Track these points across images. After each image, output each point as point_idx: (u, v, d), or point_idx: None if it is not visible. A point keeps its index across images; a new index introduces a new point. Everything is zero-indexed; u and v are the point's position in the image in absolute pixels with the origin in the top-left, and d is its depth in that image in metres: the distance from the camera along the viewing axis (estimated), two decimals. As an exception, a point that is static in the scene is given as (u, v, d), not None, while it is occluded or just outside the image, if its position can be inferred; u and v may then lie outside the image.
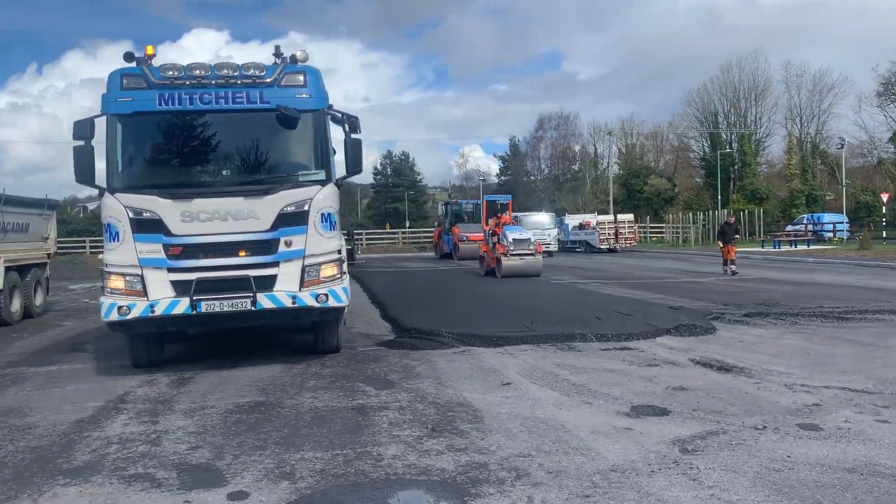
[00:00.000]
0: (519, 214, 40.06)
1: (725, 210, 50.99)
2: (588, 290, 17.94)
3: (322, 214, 8.72)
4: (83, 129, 8.46)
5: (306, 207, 8.64)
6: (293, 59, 9.01)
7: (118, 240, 8.41)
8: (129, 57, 8.58)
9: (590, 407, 6.73)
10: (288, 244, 8.60)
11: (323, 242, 8.76)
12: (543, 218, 40.45)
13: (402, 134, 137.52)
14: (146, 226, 8.38)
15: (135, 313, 8.30)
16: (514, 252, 21.74)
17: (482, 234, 37.58)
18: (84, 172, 8.50)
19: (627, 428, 6.00)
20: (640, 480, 4.79)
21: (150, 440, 6.13)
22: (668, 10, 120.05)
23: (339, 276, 8.90)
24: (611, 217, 46.93)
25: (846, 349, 9.39)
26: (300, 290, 8.61)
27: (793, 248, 38.92)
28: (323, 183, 8.82)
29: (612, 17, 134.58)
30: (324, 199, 8.76)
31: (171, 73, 8.47)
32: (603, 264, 30.51)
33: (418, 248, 53.86)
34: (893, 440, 5.49)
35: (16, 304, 15.74)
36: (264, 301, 8.46)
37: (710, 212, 52.37)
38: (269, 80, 8.67)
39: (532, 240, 22.66)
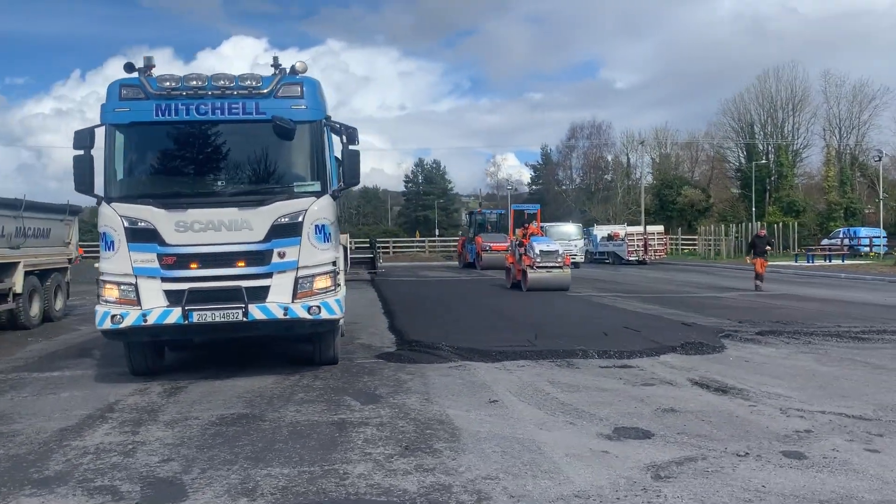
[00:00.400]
0: (546, 225, 39.80)
1: (758, 222, 50.16)
2: (603, 304, 17.69)
3: (316, 226, 8.70)
4: (83, 138, 8.56)
5: (300, 219, 8.62)
6: (293, 70, 9.03)
7: (113, 249, 8.48)
8: (128, 67, 8.66)
9: (572, 428, 6.58)
10: (281, 255, 8.59)
11: (317, 254, 8.73)
12: (570, 228, 40.20)
13: (437, 142, 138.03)
14: (141, 235, 8.43)
15: (128, 322, 8.36)
16: (540, 264, 20.83)
17: (505, 245, 37.66)
18: (83, 182, 8.60)
19: (604, 451, 5.84)
20: (602, 508, 4.64)
21: (125, 451, 6.13)
22: (710, 19, 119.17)
23: (333, 288, 8.86)
24: (640, 228, 46.36)
25: (855, 372, 9.08)
26: (292, 302, 8.59)
27: (827, 263, 38.05)
28: (318, 194, 8.80)
29: (653, 25, 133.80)
30: (318, 210, 8.74)
31: (167, 83, 8.53)
32: (627, 277, 30.15)
33: (445, 256, 53.85)
34: (878, 472, 5.26)
35: (35, 309, 16.03)
36: (256, 312, 8.46)
37: (743, 224, 51.51)
38: (265, 90, 8.68)
39: (560, 252, 21.61)
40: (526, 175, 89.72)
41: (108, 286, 8.52)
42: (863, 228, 50.15)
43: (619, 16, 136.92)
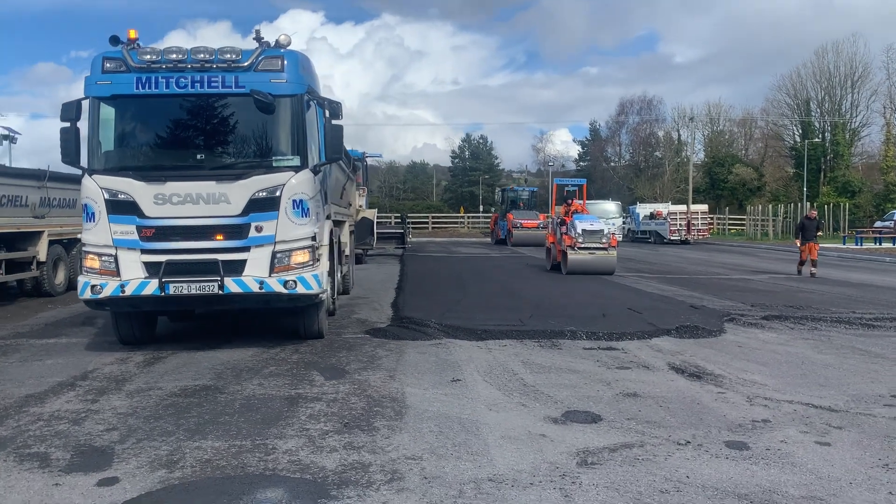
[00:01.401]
0: (587, 202, 39.31)
1: (810, 202, 48.58)
2: (622, 284, 17.34)
3: (294, 201, 8.69)
4: (69, 111, 8.70)
5: (278, 193, 8.62)
6: (276, 43, 8.99)
7: (94, 220, 8.63)
8: (113, 41, 8.74)
9: (522, 410, 6.46)
10: (259, 229, 8.62)
11: (294, 229, 8.73)
12: (609, 206, 39.67)
13: (489, 117, 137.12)
14: (120, 207, 8.55)
15: (106, 292, 8.51)
16: (582, 245, 18.96)
17: (536, 222, 37.45)
18: (70, 153, 8.75)
19: (542, 435, 5.72)
20: (509, 493, 4.54)
21: (76, 419, 6.25)
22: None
23: (312, 263, 8.86)
24: (683, 207, 45.35)
25: (848, 360, 8.71)
26: (269, 276, 8.62)
27: (876, 246, 36.66)
28: (297, 169, 8.78)
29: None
30: (297, 185, 8.72)
31: (148, 56, 8.59)
32: (663, 257, 29.58)
33: (483, 233, 53.63)
34: (816, 466, 5.02)
35: (60, 277, 16.51)
36: (231, 285, 8.52)
37: (793, 204, 49.96)
38: (245, 64, 8.67)
39: (606, 231, 19.56)
40: (574, 151, 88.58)
41: (89, 257, 8.68)
42: (920, 211, 48.06)
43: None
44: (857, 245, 36.96)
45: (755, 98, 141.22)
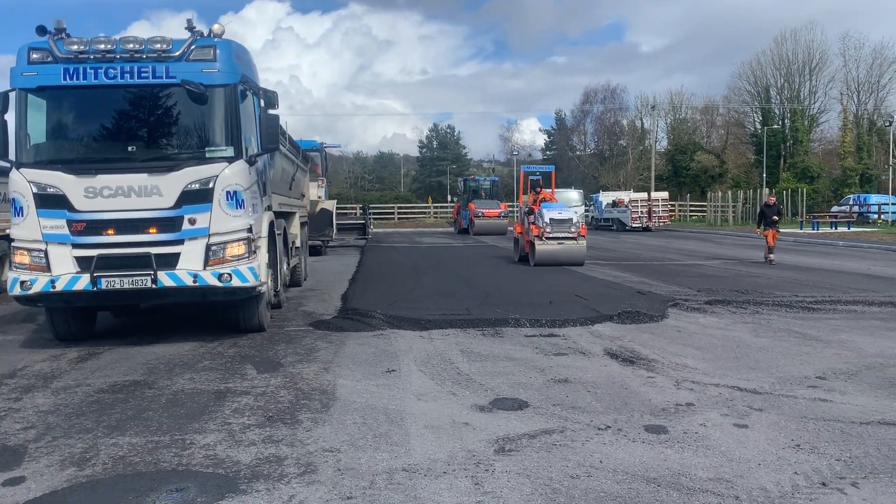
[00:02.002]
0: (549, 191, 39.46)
1: (770, 188, 49.27)
2: (575, 271, 17.42)
3: (228, 192, 8.58)
4: (-4, 103, 8.49)
5: (211, 185, 8.51)
6: (210, 33, 8.86)
7: (23, 215, 8.45)
8: (40, 30, 8.53)
9: (451, 399, 6.46)
10: (192, 222, 8.50)
11: (229, 221, 8.62)
12: (571, 195, 39.80)
13: (458, 107, 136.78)
14: (50, 201, 8.38)
15: (36, 288, 8.35)
16: (551, 235, 18.11)
17: (497, 211, 37.63)
18: None
19: (465, 423, 5.73)
20: (420, 482, 4.53)
21: (-6, 418, 6.12)
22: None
23: (247, 255, 8.75)
24: (645, 195, 45.74)
25: (783, 343, 8.85)
26: (203, 269, 8.51)
27: (832, 231, 37.35)
28: (231, 160, 8.66)
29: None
30: (230, 176, 8.61)
31: (75, 47, 8.40)
32: (622, 244, 29.81)
33: (449, 223, 53.64)
34: (729, 448, 5.09)
35: (5, 273, 16.12)
36: (165, 279, 8.40)
37: (752, 190, 50.65)
38: (176, 53, 8.52)
39: (575, 220, 18.71)
40: (541, 140, 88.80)
41: (18, 252, 8.50)
42: (874, 195, 49.07)
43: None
44: (813, 230, 37.61)
45: (719, 86, 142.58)
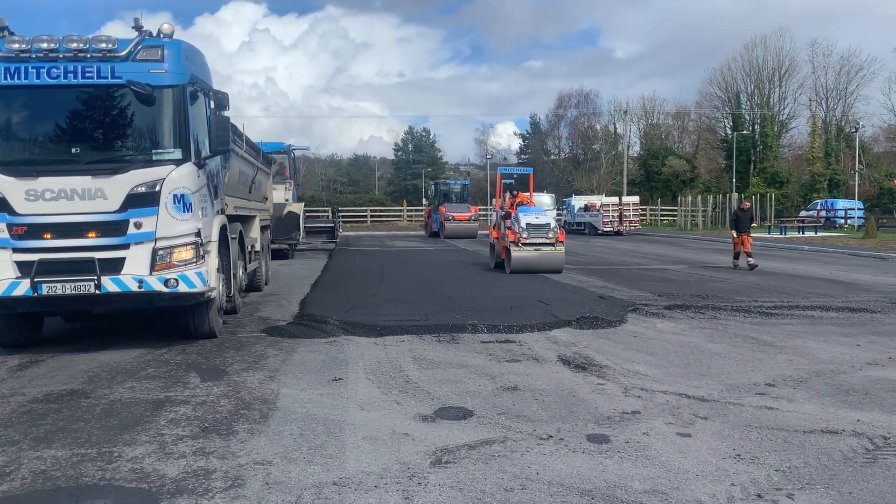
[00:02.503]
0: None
1: (739, 194, 49.75)
2: (539, 276, 17.36)
3: (175, 196, 8.38)
4: (-65, 103, 8.23)
5: (157, 188, 8.30)
6: (158, 32, 8.66)
7: (-40, 218, 8.17)
8: (-20, 29, 8.28)
9: (395, 408, 6.33)
10: (138, 226, 8.29)
11: (176, 225, 8.42)
12: (543, 199, 39.73)
13: (435, 109, 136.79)
14: None
15: (-27, 294, 8.08)
16: (527, 241, 17.20)
17: (468, 214, 37.63)
18: None
19: (405, 434, 5.60)
20: (349, 497, 4.40)
21: (-82, 430, 5.88)
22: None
23: (195, 260, 8.55)
24: (616, 199, 45.96)
25: (737, 349, 8.83)
26: (149, 275, 8.30)
27: (799, 235, 37.75)
28: (178, 163, 8.47)
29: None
30: (178, 179, 8.41)
31: (17, 45, 8.16)
32: (592, 248, 29.87)
33: (421, 226, 53.53)
34: (669, 458, 5.01)
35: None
36: (109, 284, 8.18)
37: (723, 195, 51.10)
38: (122, 53, 8.31)
39: (553, 226, 17.71)
40: (516, 144, 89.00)
41: (-44, 257, 8.21)
42: (841, 200, 49.77)
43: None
44: (781, 234, 37.96)
45: (691, 91, 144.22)
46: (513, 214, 17.82)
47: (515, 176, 27.91)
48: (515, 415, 6.08)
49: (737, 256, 19.50)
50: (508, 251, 17.52)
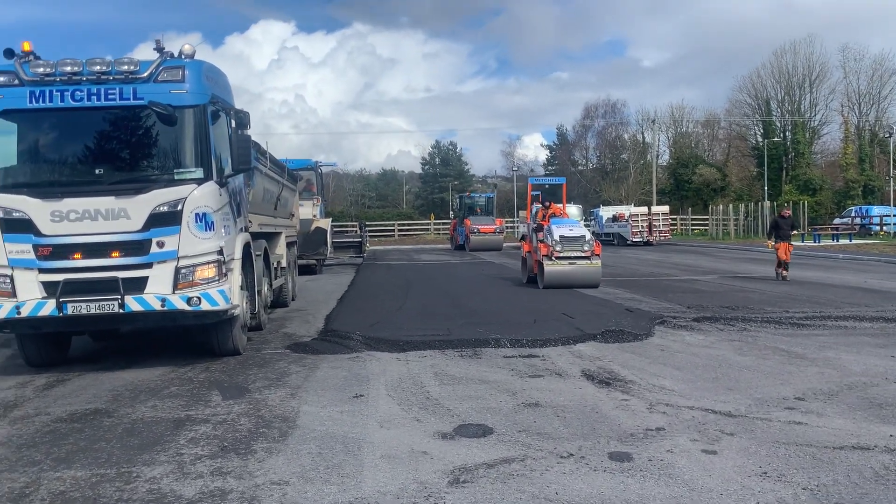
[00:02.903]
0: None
1: (772, 202, 49.04)
2: (562, 289, 17.18)
3: (197, 214, 8.44)
4: (-37, 127, 8.40)
5: (180, 207, 8.37)
6: (180, 53, 8.77)
7: (-11, 240, 8.31)
8: (7, 53, 8.46)
9: (415, 425, 6.27)
10: (160, 245, 8.35)
11: (198, 243, 8.47)
12: (571, 210, 39.45)
13: (462, 123, 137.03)
14: (15, 226, 8.25)
15: (1, 314, 8.20)
16: (561, 254, 16.43)
17: (493, 227, 37.56)
18: None
19: (424, 452, 5.53)
20: (364, 518, 4.34)
21: (-56, 450, 5.95)
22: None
23: (218, 278, 8.60)
24: (645, 209, 45.54)
25: (767, 362, 8.63)
26: (172, 293, 8.35)
27: (833, 243, 37.04)
28: (200, 182, 8.53)
29: (679, 2, 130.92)
30: (199, 198, 8.47)
31: (41, 69, 8.31)
32: (620, 259, 29.58)
33: (448, 239, 53.52)
34: (693, 477, 4.88)
35: None
36: (132, 304, 8.25)
37: (755, 203, 50.39)
38: (143, 75, 8.42)
39: (588, 238, 16.85)
40: (543, 155, 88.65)
41: (-17, 278, 8.35)
42: (876, 207, 48.75)
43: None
44: (815, 242, 37.30)
45: (720, 99, 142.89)
46: (545, 227, 17.14)
47: (546, 186, 27.33)
48: (536, 432, 5.98)
49: (780, 265, 18.57)
50: (541, 265, 16.75)
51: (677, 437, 5.79)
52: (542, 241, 16.92)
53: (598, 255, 16.88)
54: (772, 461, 5.17)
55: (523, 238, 42.36)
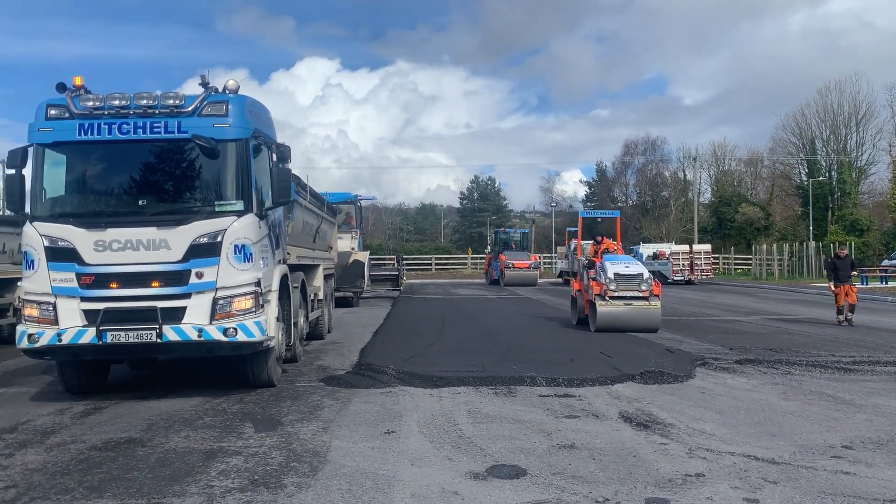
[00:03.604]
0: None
1: (817, 241, 48.06)
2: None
3: (236, 246, 8.53)
4: (15, 158, 8.67)
5: (219, 239, 8.47)
6: (224, 88, 8.96)
7: (34, 268, 8.50)
8: (60, 87, 8.72)
9: (447, 464, 6.16)
10: (199, 276, 8.45)
11: (236, 275, 8.55)
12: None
13: (502, 159, 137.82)
14: (60, 255, 8.43)
15: (43, 341, 8.34)
16: (616, 294, 15.00)
17: (528, 262, 37.50)
18: (14, 200, 8.71)
19: (455, 492, 5.42)
20: (392, 560, 4.24)
21: (-20, 476, 6.01)
22: (781, 34, 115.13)
23: (254, 309, 8.64)
24: (686, 247, 44.96)
25: (812, 407, 8.34)
26: (209, 324, 8.42)
27: (882, 286, 36.03)
28: (240, 214, 8.64)
29: (722, 42, 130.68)
30: (239, 230, 8.57)
31: (91, 103, 8.55)
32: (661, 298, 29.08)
33: (484, 273, 53.43)
34: (733, 528, 4.69)
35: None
36: (170, 333, 8.32)
37: (800, 243, 49.40)
38: (188, 109, 8.60)
39: (645, 276, 15.36)
40: (582, 192, 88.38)
41: (28, 305, 8.53)
42: (927, 249, 47.37)
43: (687, 33, 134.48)
44: (862, 284, 36.28)
45: (763, 137, 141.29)
46: (597, 263, 15.73)
47: (599, 220, 26.25)
48: (571, 475, 5.83)
49: (840, 311, 17.61)
50: (593, 305, 15.26)
51: (718, 483, 5.59)
52: (594, 279, 15.49)
53: (657, 295, 15.35)
54: (818, 513, 4.95)
55: (561, 275, 42.28)
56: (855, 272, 18.05)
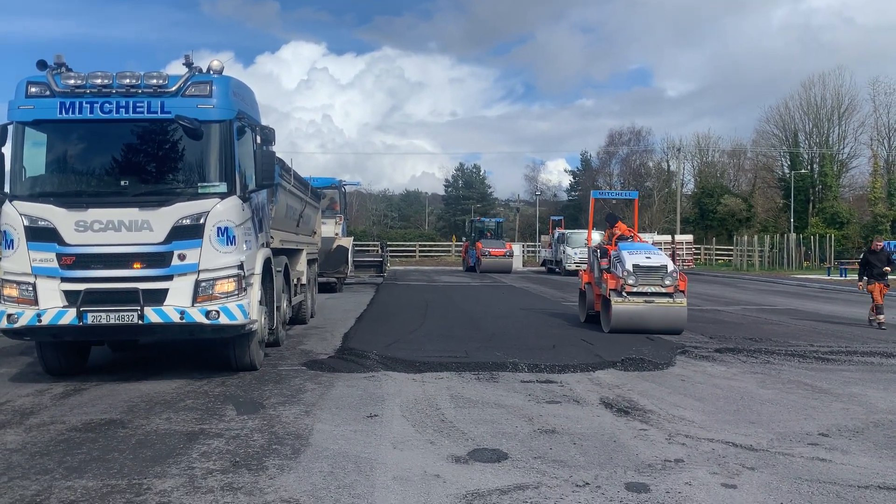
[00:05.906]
0: (567, 232, 39.33)
1: (797, 233, 48.53)
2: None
3: (219, 228, 8.47)
4: (-7, 136, 8.53)
5: (202, 221, 8.41)
6: (208, 69, 8.86)
7: (13, 248, 8.40)
8: (41, 65, 8.58)
9: (428, 447, 6.19)
10: (182, 258, 8.39)
11: (219, 257, 8.50)
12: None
13: (487, 147, 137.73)
14: (40, 234, 8.33)
15: (22, 321, 8.26)
16: (634, 288, 12.83)
17: (503, 250, 37.97)
18: None
19: (437, 475, 5.44)
20: (373, 541, 4.26)
21: (-42, 455, 5.96)
22: (764, 28, 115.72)
23: (237, 292, 8.60)
24: (668, 237, 45.23)
25: (790, 396, 8.44)
26: (191, 306, 8.37)
27: (860, 277, 36.39)
28: (223, 196, 8.58)
29: (705, 34, 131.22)
30: (222, 212, 8.51)
31: (72, 81, 8.43)
32: (641, 286, 29.28)
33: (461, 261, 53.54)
34: (710, 512, 4.75)
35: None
36: (152, 315, 8.26)
37: (780, 235, 49.84)
38: (171, 89, 8.51)
39: (670, 269, 13.00)
40: (566, 181, 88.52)
41: (7, 285, 8.43)
42: (905, 242, 47.87)
43: (671, 25, 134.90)
44: (841, 276, 36.75)
45: (747, 130, 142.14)
46: (612, 252, 13.60)
47: (614, 202, 23.82)
48: (552, 459, 5.87)
49: (878, 310, 15.16)
50: (607, 302, 13.16)
51: (696, 469, 5.65)
52: (607, 271, 13.30)
53: (683, 291, 13.08)
54: (794, 498, 5.03)
55: (544, 263, 42.42)
56: (889, 268, 15.45)
